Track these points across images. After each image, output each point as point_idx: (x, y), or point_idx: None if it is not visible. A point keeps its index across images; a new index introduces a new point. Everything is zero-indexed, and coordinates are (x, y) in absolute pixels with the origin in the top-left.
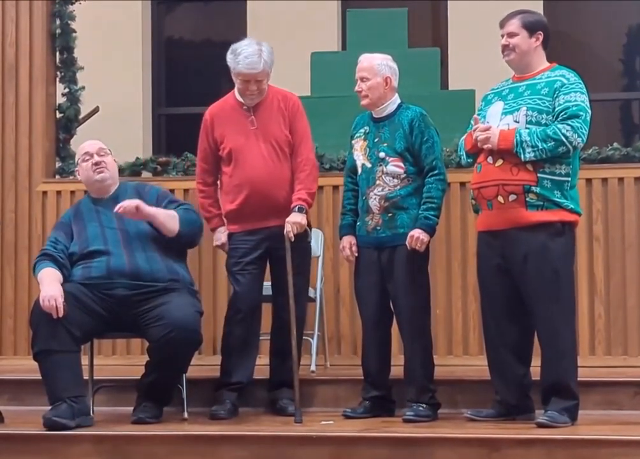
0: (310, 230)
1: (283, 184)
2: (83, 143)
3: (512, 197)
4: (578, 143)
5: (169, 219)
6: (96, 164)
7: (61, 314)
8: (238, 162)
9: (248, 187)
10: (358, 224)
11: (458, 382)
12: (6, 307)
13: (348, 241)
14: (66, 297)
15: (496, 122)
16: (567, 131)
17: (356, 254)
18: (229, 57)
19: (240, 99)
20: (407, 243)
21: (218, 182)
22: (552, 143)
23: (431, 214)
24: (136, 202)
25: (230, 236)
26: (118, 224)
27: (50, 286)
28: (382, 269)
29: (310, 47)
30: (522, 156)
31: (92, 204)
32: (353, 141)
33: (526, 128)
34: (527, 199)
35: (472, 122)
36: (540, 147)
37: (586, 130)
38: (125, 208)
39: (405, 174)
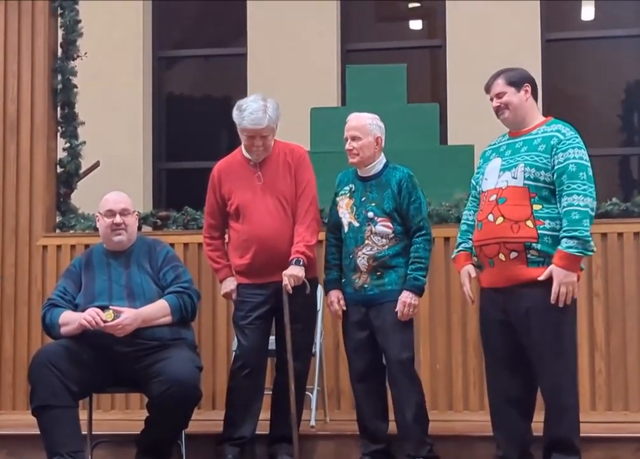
0: (314, 283)
1: (291, 240)
2: (110, 193)
3: (513, 254)
4: (593, 203)
5: (161, 317)
6: (116, 224)
7: (102, 322)
8: (246, 219)
9: (256, 244)
10: (344, 281)
11: (458, 438)
12: (5, 362)
13: (336, 295)
14: (64, 352)
15: (494, 179)
16: (582, 200)
17: (344, 308)
18: (235, 113)
19: (247, 155)
20: (398, 310)
21: (226, 236)
22: (587, 220)
23: (420, 274)
24: (127, 330)
25: (238, 288)
26: (126, 280)
27: (82, 313)
28: (371, 325)
29: (310, 102)
30: (590, 251)
31: (104, 256)
32: (337, 198)
33: (543, 208)
34: (528, 256)
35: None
36: (585, 233)
37: (592, 186)
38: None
39: (393, 234)
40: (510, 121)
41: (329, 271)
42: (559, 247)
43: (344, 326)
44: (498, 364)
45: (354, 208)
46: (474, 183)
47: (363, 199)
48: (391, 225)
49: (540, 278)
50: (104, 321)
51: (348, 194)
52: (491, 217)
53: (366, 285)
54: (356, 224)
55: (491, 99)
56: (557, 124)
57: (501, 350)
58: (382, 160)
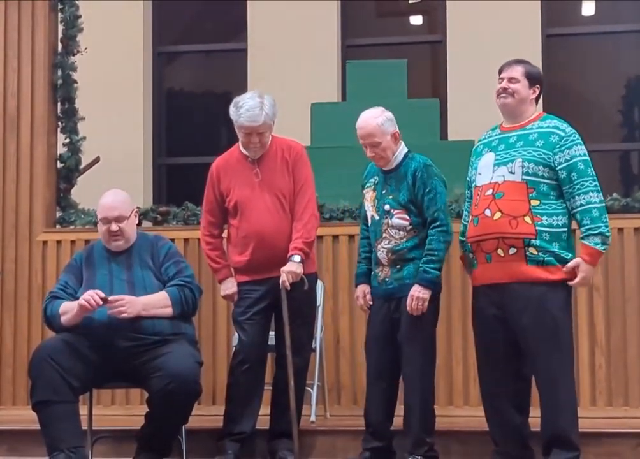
0: (312, 278)
1: (289, 236)
2: (107, 194)
3: (512, 250)
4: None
5: (161, 307)
6: (112, 232)
7: (102, 295)
8: (244, 215)
9: (255, 240)
10: (372, 274)
11: (458, 433)
12: (5, 357)
13: (362, 290)
14: (64, 347)
15: (489, 174)
16: (597, 196)
17: (370, 303)
18: (232, 110)
19: (244, 152)
20: (407, 304)
21: (225, 234)
22: (605, 215)
23: (431, 267)
24: (128, 309)
25: (237, 285)
26: (127, 275)
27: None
28: (391, 320)
29: (310, 98)
30: (608, 245)
31: (105, 251)
32: (364, 191)
33: (541, 203)
34: (527, 253)
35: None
36: (607, 229)
37: (597, 180)
38: (114, 313)
39: (410, 226)
40: (509, 109)
41: (359, 264)
42: (586, 243)
43: (367, 321)
44: (491, 360)
45: (376, 201)
46: (470, 182)
47: (383, 191)
48: (407, 218)
49: (566, 268)
50: (103, 299)
51: (372, 187)
52: (488, 212)
53: (387, 279)
54: (376, 217)
55: (500, 80)
56: (552, 120)
57: (494, 345)
58: (402, 150)
